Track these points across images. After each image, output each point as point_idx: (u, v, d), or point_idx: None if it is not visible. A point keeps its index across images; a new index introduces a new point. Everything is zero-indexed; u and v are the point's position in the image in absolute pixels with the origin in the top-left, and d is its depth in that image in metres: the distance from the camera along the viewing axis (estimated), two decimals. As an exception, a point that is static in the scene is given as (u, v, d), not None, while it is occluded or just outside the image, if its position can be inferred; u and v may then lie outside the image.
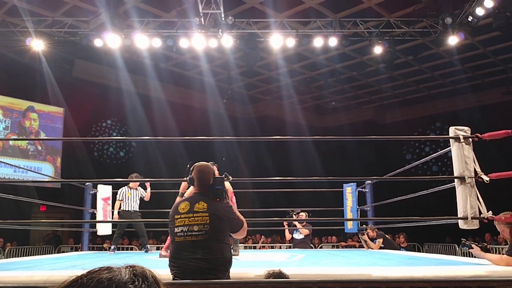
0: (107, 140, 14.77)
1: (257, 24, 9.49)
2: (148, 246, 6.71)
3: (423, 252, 10.03)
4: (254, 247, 10.58)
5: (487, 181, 3.65)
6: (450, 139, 3.85)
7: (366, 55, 11.46)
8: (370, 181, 7.07)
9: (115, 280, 0.73)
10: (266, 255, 5.55)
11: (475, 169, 3.69)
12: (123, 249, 9.68)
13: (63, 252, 10.40)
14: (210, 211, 2.56)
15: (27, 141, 12.30)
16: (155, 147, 13.57)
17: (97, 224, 6.76)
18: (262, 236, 11.78)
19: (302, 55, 11.74)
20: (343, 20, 9.48)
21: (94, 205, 6.68)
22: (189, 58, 11.85)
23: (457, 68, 12.50)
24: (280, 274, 2.53)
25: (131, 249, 10.28)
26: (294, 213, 6.90)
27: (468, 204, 3.60)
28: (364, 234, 6.96)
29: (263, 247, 10.88)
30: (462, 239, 3.71)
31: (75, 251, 9.59)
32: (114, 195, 6.76)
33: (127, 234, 9.69)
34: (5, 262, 4.86)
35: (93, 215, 6.66)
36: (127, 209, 6.50)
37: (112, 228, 6.80)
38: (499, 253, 5.44)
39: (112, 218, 6.55)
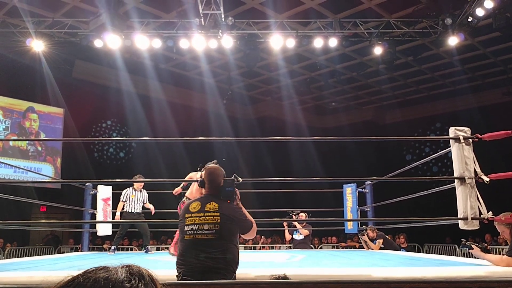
0: (107, 141, 14.77)
1: (257, 24, 9.49)
2: (149, 247, 6.72)
3: (423, 252, 10.03)
4: (254, 248, 10.58)
5: (487, 181, 3.65)
6: (450, 140, 3.85)
7: (366, 56, 11.46)
8: (370, 182, 7.06)
9: (111, 279, 0.73)
10: (266, 256, 5.55)
11: (475, 170, 3.69)
12: (123, 250, 9.68)
13: (63, 252, 10.40)
14: (221, 211, 2.59)
15: (27, 142, 12.31)
16: (155, 148, 13.58)
17: (97, 225, 6.76)
18: (262, 237, 11.78)
19: (302, 55, 11.74)
20: (343, 20, 9.48)
21: (94, 206, 6.68)
22: (189, 58, 11.85)
23: (457, 69, 12.50)
24: (285, 278, 2.55)
25: (131, 249, 10.28)
26: (294, 213, 6.90)
27: (468, 205, 3.60)
28: (364, 235, 6.95)
29: (263, 247, 10.88)
30: (462, 239, 3.71)
31: (75, 251, 9.60)
32: (114, 195, 6.76)
33: (127, 235, 9.68)
34: (5, 262, 4.86)
35: (93, 216, 6.66)
36: (130, 211, 6.50)
37: (113, 228, 6.80)
38: (499, 254, 5.44)
39: (114, 219, 6.54)
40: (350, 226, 7.28)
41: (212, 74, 12.84)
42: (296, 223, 7.16)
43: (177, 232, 5.14)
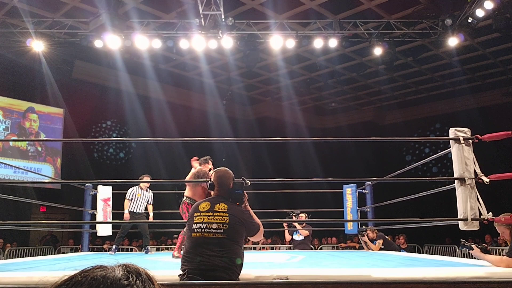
0: (106, 141, 14.77)
1: (257, 25, 9.49)
2: (149, 247, 6.72)
3: (423, 253, 10.03)
4: (254, 248, 10.57)
5: (487, 182, 3.65)
6: (450, 141, 3.85)
7: (366, 56, 11.47)
8: (370, 182, 7.07)
9: (109, 277, 0.74)
10: (266, 256, 5.54)
11: (475, 170, 3.69)
12: (123, 250, 9.68)
13: (63, 253, 10.40)
14: (230, 212, 2.65)
15: (27, 142, 12.31)
16: (154, 148, 13.57)
17: (97, 225, 6.76)
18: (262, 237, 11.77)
19: (302, 56, 11.75)
20: (343, 21, 9.48)
21: (94, 206, 6.68)
22: (189, 59, 11.85)
23: (456, 70, 12.50)
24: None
25: (131, 250, 10.28)
26: (294, 214, 6.89)
27: (468, 205, 3.60)
28: (364, 235, 6.95)
29: (263, 248, 10.88)
30: (462, 240, 3.70)
31: (75, 251, 9.59)
32: (114, 196, 6.76)
33: (127, 235, 9.69)
34: (5, 263, 4.85)
35: (93, 216, 6.66)
36: (133, 211, 6.52)
37: (113, 229, 6.80)
38: (499, 255, 5.44)
39: (123, 218, 6.54)
40: (350, 227, 7.28)
41: (211, 74, 12.84)
42: (296, 224, 7.15)
43: (180, 236, 5.15)
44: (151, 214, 6.67)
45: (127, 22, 8.75)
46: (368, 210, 7.05)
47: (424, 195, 4.85)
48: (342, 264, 4.27)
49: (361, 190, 7.16)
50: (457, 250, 9.73)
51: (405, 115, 15.55)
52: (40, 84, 11.79)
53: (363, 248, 7.25)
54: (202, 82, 13.44)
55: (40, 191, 10.99)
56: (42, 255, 9.95)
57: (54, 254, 10.34)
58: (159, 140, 11.64)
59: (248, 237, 2.80)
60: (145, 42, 9.24)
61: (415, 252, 9.59)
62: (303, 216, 6.94)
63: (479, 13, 8.26)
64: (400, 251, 7.28)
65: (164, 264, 4.41)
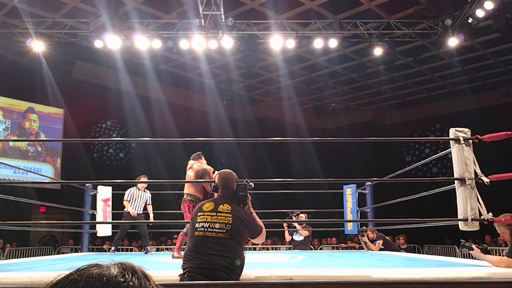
0: (106, 141, 14.78)
1: (257, 25, 9.50)
2: (148, 247, 6.71)
3: (423, 253, 10.02)
4: (254, 249, 10.57)
5: (487, 182, 3.65)
6: (450, 141, 3.85)
7: (366, 57, 11.47)
8: (370, 183, 7.06)
9: (105, 274, 0.74)
10: (267, 257, 5.54)
11: (475, 171, 3.69)
12: (122, 251, 9.68)
13: (63, 253, 10.40)
14: (233, 213, 2.68)
15: (27, 142, 12.31)
16: (154, 148, 13.57)
17: (97, 225, 6.76)
18: (262, 238, 11.76)
19: (302, 56, 11.75)
20: (343, 21, 9.48)
21: (94, 206, 6.68)
22: (189, 59, 11.85)
23: (457, 70, 12.50)
24: None
25: (131, 250, 10.27)
26: (294, 214, 6.89)
27: (468, 206, 3.60)
28: (364, 236, 6.94)
29: (264, 248, 10.87)
30: (462, 240, 3.70)
31: (75, 252, 9.59)
32: (114, 196, 6.76)
33: (127, 236, 9.69)
34: (5, 263, 4.85)
35: (93, 216, 6.66)
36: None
37: (113, 229, 6.80)
38: (499, 255, 5.44)
39: (126, 217, 6.53)
40: (350, 227, 7.27)
41: (212, 75, 12.84)
42: (296, 224, 7.15)
43: (179, 237, 5.15)
44: (151, 215, 6.66)
45: (127, 22, 8.75)
46: (368, 210, 7.05)
47: (424, 195, 4.85)
48: (342, 265, 4.26)
49: (361, 191, 7.15)
50: (457, 250, 9.72)
51: (405, 116, 15.55)
52: (40, 84, 11.79)
53: (363, 249, 7.24)
54: (202, 83, 13.44)
55: (40, 191, 10.99)
56: (42, 255, 9.95)
57: (54, 254, 10.34)
58: (159, 140, 11.64)
59: (250, 239, 2.83)
60: (145, 43, 9.24)
61: (415, 253, 9.59)
62: (303, 217, 6.94)
63: (479, 13, 8.26)
64: (400, 251, 7.27)
65: (164, 264, 4.40)
